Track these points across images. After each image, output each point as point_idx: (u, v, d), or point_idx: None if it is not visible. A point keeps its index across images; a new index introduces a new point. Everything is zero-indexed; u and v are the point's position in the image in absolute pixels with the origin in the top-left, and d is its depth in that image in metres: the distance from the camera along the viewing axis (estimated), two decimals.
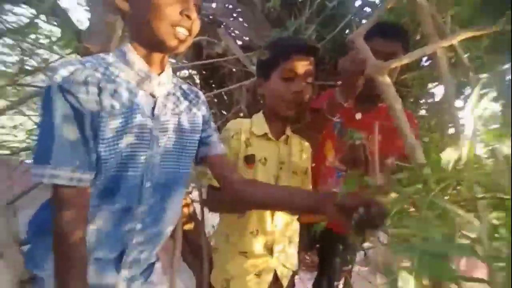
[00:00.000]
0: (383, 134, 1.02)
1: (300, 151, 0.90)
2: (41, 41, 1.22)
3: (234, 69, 1.48)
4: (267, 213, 0.83)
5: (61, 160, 0.50)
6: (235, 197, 0.67)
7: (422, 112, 1.33)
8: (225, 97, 1.71)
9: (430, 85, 1.22)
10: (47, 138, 0.50)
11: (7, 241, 0.62)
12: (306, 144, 0.92)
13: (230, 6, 1.46)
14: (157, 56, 0.59)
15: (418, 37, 0.98)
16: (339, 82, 0.77)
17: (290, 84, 0.79)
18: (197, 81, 1.69)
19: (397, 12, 0.92)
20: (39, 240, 0.59)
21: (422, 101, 1.29)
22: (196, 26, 0.58)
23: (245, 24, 1.41)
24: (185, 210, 1.18)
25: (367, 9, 1.24)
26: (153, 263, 0.71)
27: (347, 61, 0.74)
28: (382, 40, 0.88)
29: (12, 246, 0.61)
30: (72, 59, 0.54)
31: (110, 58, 0.57)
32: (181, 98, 0.67)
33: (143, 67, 0.58)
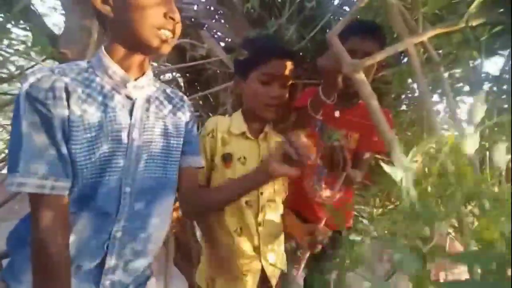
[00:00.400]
0: (361, 130, 1.05)
1: (273, 143, 0.90)
2: (16, 47, 1.19)
3: (218, 71, 1.48)
4: (250, 214, 0.83)
5: (29, 168, 0.49)
6: (190, 207, 0.72)
7: (404, 107, 1.36)
8: (211, 99, 1.71)
9: (410, 80, 1.25)
10: (16, 146, 0.49)
11: None
12: (277, 134, 0.93)
13: (212, 8, 1.46)
14: (137, 59, 0.59)
15: (395, 35, 1.01)
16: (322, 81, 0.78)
17: (268, 87, 0.79)
18: (181, 83, 1.68)
19: (374, 11, 0.94)
20: (18, 252, 0.58)
21: (403, 96, 1.32)
22: (179, 28, 0.59)
23: (226, 25, 1.41)
24: (174, 214, 1.17)
25: (346, 8, 1.27)
26: (148, 277, 0.69)
27: (324, 60, 0.76)
28: (359, 39, 0.90)
29: None
30: (44, 67, 0.54)
31: (85, 63, 0.57)
32: (165, 102, 0.66)
33: (117, 71, 0.57)
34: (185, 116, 0.69)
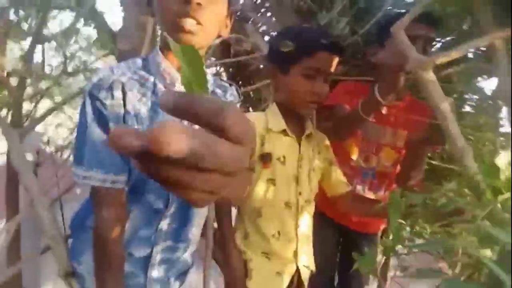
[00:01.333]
0: (410, 127, 0.96)
1: (317, 145, 0.87)
2: (81, 44, 1.30)
3: (261, 66, 1.46)
4: (290, 215, 0.80)
5: (93, 162, 0.53)
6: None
7: (467, 108, 1.21)
8: (251, 94, 1.70)
9: (478, 79, 1.11)
10: (81, 140, 0.53)
11: (53, 235, 0.66)
12: (325, 138, 0.90)
13: (258, 1, 1.44)
14: None
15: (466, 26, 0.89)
16: (376, 79, 0.72)
17: (312, 82, 0.74)
18: (224, 78, 1.69)
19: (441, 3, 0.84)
20: (78, 235, 0.63)
21: (467, 96, 1.18)
22: (206, 14, 0.52)
23: (273, 19, 1.38)
24: None
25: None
26: (189, 268, 0.72)
27: (384, 56, 0.69)
28: (416, 24, 0.79)
29: (59, 240, 0.65)
30: (106, 65, 0.57)
31: (141, 62, 0.59)
32: (217, 91, 0.67)
33: (169, 70, 0.58)
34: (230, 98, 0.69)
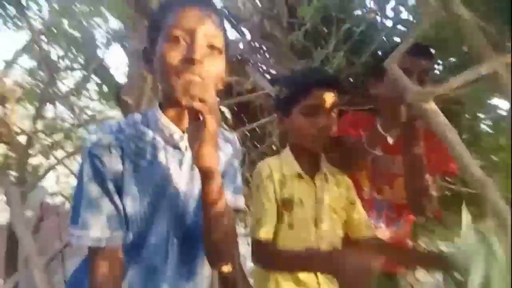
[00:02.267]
0: (429, 155, 0.89)
1: (336, 184, 0.83)
2: (91, 95, 1.39)
3: (264, 103, 1.48)
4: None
5: (88, 222, 0.51)
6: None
7: (485, 127, 1.14)
8: (257, 129, 1.71)
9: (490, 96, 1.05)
10: (78, 198, 0.53)
11: None
12: (345, 177, 0.86)
13: (256, 44, 1.50)
14: (182, 111, 0.59)
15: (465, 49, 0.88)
16: (375, 110, 0.70)
17: (314, 119, 0.75)
18: (228, 116, 1.72)
19: (440, 28, 0.84)
20: None
21: (482, 115, 1.12)
22: (213, 68, 0.53)
23: (271, 60, 1.42)
24: None
25: (401, 28, 1.17)
26: None
27: (382, 89, 0.68)
28: (412, 57, 0.79)
29: None
30: (105, 124, 0.58)
31: (140, 117, 0.60)
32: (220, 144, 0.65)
33: (168, 125, 0.58)
34: (228, 150, 0.67)
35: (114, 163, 0.53)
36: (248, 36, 1.62)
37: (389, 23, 1.17)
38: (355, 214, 0.83)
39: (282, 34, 1.30)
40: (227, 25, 1.76)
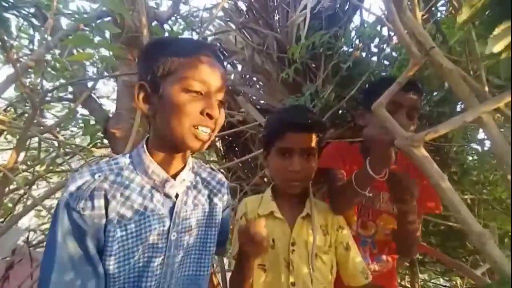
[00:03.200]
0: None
1: (324, 226, 0.78)
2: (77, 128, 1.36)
3: (255, 133, 1.48)
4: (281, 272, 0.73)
5: (61, 282, 0.46)
6: None
7: (470, 159, 1.17)
8: (249, 160, 1.70)
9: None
10: (50, 254, 0.47)
11: None
12: (339, 219, 0.81)
13: (247, 76, 1.53)
14: (177, 155, 0.58)
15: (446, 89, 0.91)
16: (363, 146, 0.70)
17: (288, 161, 0.75)
18: (220, 147, 1.71)
19: (425, 78, 0.87)
20: None
21: (468, 147, 1.14)
22: (220, 122, 0.55)
23: (261, 92, 1.44)
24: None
25: (386, 62, 1.22)
26: None
27: (372, 131, 0.68)
28: (402, 92, 0.81)
29: None
30: (86, 169, 0.53)
31: (125, 160, 0.56)
32: (202, 189, 0.63)
33: (158, 172, 0.55)
34: (221, 201, 0.65)
35: (96, 217, 0.49)
36: (240, 68, 1.65)
37: (374, 59, 1.22)
38: (349, 260, 0.78)
39: (273, 68, 1.33)
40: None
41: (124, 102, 1.24)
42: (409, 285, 1.38)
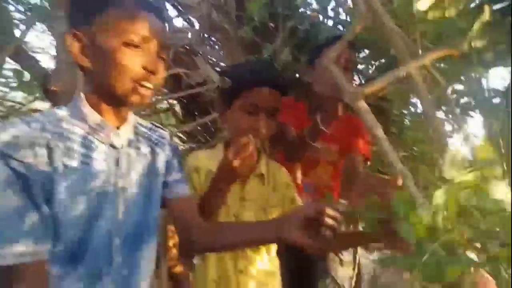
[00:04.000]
0: (342, 142, 1.01)
1: (273, 185, 0.82)
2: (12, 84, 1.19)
3: (214, 96, 1.46)
4: (228, 258, 0.76)
5: (6, 236, 0.44)
6: (192, 248, 0.65)
7: (407, 122, 1.32)
8: (209, 123, 1.69)
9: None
10: None
11: None
12: (282, 172, 0.85)
13: (205, 35, 1.47)
14: (117, 110, 0.57)
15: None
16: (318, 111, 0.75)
17: (252, 118, 0.73)
18: (179, 111, 1.66)
19: (368, 31, 0.93)
20: None
21: (406, 112, 1.29)
22: (161, 79, 0.56)
23: (220, 52, 1.40)
24: (174, 251, 1.10)
25: (340, 27, 1.26)
26: None
27: (323, 87, 0.73)
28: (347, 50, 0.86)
29: None
30: (17, 120, 0.49)
31: (62, 111, 0.54)
32: (144, 141, 0.63)
33: (97, 119, 0.54)
34: (164, 153, 0.66)
35: (40, 164, 0.47)
36: (197, 26, 1.56)
37: (330, 23, 1.26)
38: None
39: (231, 27, 1.29)
40: (173, 12, 1.67)
41: (64, 56, 1.11)
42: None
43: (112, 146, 0.56)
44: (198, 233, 0.64)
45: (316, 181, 1.01)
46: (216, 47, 1.49)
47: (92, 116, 0.54)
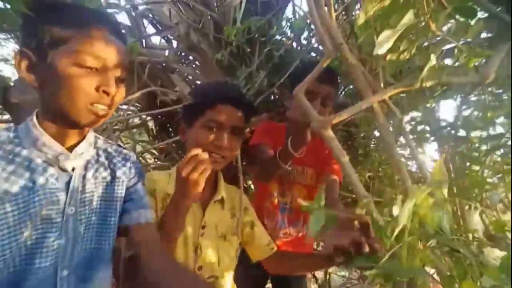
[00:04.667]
0: (316, 165, 1.06)
1: (231, 209, 0.82)
2: None
3: None
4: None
5: None
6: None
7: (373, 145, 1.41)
8: (183, 140, 1.67)
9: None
10: None
11: None
12: (237, 193, 0.84)
13: (183, 54, 1.48)
14: (72, 130, 0.54)
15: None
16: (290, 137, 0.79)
17: (213, 135, 0.72)
18: (152, 127, 1.63)
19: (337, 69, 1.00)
20: None
21: (371, 135, 1.38)
22: (118, 99, 0.54)
23: (197, 71, 1.42)
24: None
25: (313, 54, 1.34)
26: None
27: (294, 114, 0.77)
28: (317, 82, 0.91)
29: None
30: None
31: (10, 133, 0.51)
32: (105, 163, 0.60)
33: (51, 144, 0.52)
34: (126, 175, 0.62)
35: None
36: (174, 44, 1.58)
37: (304, 49, 1.33)
38: (256, 237, 0.82)
39: (209, 48, 1.32)
40: (151, 29, 1.68)
41: None
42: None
43: (62, 169, 0.53)
44: (156, 273, 0.56)
45: (291, 202, 1.04)
46: (193, 65, 1.51)
47: (46, 140, 0.51)
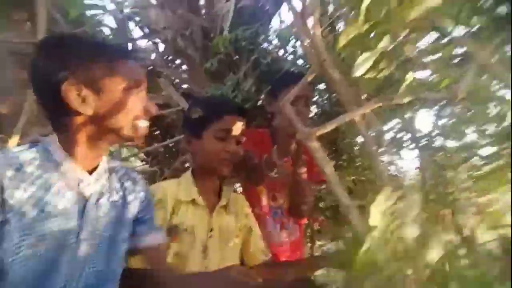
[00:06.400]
0: (314, 168, 1.08)
1: (235, 214, 0.86)
2: None
3: (177, 118, 1.46)
4: None
5: None
6: None
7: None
8: (170, 144, 1.66)
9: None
10: None
11: None
12: (240, 200, 0.90)
13: (169, 58, 1.47)
14: (98, 150, 0.56)
15: None
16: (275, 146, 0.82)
17: (225, 143, 0.79)
18: None
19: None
20: None
21: (354, 140, 1.42)
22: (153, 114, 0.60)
23: (184, 76, 1.42)
24: None
25: (300, 62, 1.37)
26: None
27: (280, 124, 0.80)
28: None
29: None
30: None
31: (28, 155, 0.51)
32: (117, 187, 0.62)
33: (72, 168, 0.53)
34: (137, 201, 0.65)
35: None
36: (161, 47, 1.57)
37: (290, 57, 1.36)
38: (252, 242, 0.86)
39: (196, 54, 1.32)
40: (138, 32, 1.66)
41: (9, 73, 1.03)
42: (309, 250, 1.67)
43: (81, 194, 0.54)
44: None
45: (284, 204, 1.05)
46: (180, 69, 1.50)
47: (67, 164, 0.52)
